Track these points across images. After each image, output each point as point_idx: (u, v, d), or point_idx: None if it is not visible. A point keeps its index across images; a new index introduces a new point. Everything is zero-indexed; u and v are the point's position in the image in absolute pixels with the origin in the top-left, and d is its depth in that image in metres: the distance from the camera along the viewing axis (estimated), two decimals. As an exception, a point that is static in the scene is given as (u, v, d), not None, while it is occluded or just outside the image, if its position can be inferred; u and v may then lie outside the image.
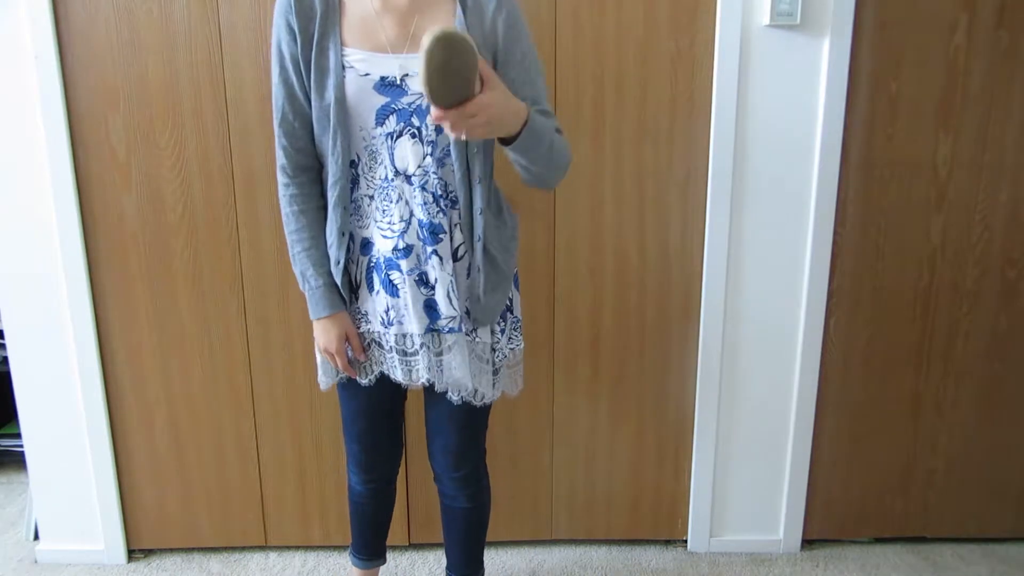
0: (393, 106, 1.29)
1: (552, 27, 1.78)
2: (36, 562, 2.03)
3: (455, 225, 1.35)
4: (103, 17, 1.73)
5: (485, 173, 1.36)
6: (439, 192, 1.33)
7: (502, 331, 1.45)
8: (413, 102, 1.30)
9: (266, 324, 1.91)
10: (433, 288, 1.35)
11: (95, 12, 1.73)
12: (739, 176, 1.85)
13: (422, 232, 1.33)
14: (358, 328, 1.42)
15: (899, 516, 2.11)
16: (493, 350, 1.44)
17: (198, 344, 1.91)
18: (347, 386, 1.50)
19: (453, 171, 1.33)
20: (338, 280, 1.39)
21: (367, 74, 1.29)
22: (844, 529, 2.12)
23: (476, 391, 1.43)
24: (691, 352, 1.97)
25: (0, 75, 1.75)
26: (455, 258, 1.36)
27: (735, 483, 2.04)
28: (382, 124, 1.30)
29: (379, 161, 1.33)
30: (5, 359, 2.04)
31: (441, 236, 1.34)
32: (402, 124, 1.30)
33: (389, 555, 1.91)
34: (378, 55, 1.30)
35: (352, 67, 1.29)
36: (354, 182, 1.35)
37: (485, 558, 1.70)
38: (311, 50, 1.30)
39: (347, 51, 1.30)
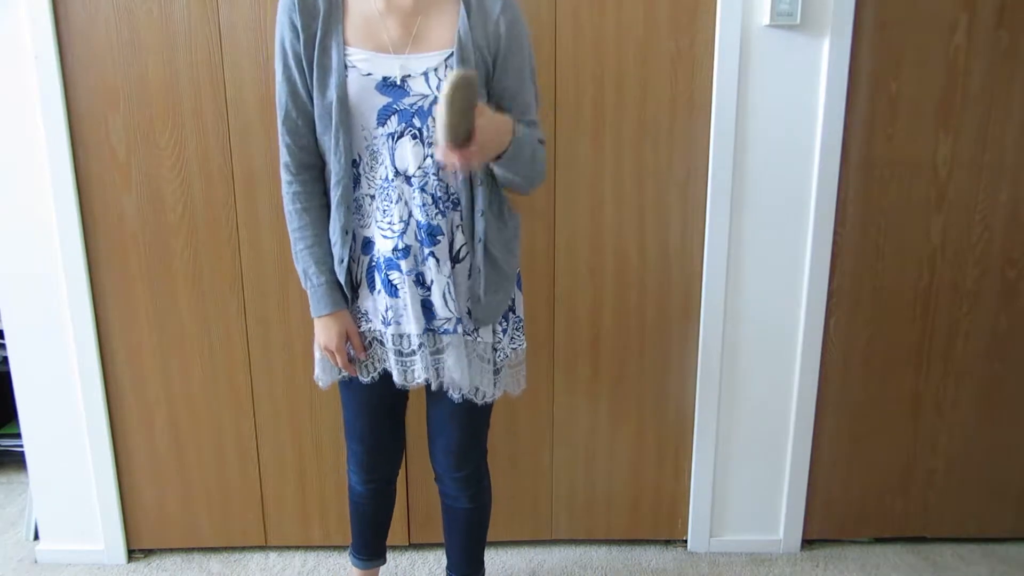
0: (395, 106, 1.30)
1: (552, 27, 1.78)
2: (36, 562, 2.03)
3: (456, 227, 1.36)
4: (103, 17, 1.73)
5: (487, 175, 1.37)
6: (439, 194, 1.33)
7: (504, 331, 1.45)
8: (415, 103, 1.30)
9: (266, 324, 1.91)
10: (429, 289, 1.36)
11: (95, 12, 1.73)
12: (739, 176, 1.85)
13: (420, 233, 1.33)
14: (359, 327, 1.42)
15: (899, 516, 2.11)
16: (495, 350, 1.44)
17: (198, 344, 1.91)
18: (349, 384, 1.50)
19: (455, 173, 1.33)
20: (341, 279, 1.39)
21: (369, 74, 1.29)
22: (844, 529, 2.12)
23: (477, 389, 1.44)
24: (691, 352, 1.97)
25: (0, 75, 1.75)
26: (456, 260, 1.36)
27: (735, 483, 2.04)
28: (384, 124, 1.30)
29: (380, 161, 1.33)
30: (5, 359, 2.04)
31: (439, 238, 1.34)
32: (403, 125, 1.30)
33: (389, 555, 1.90)
34: (381, 55, 1.30)
35: (354, 67, 1.29)
36: (356, 181, 1.35)
37: (485, 558, 1.70)
38: (314, 48, 1.30)
39: (350, 51, 1.30)
